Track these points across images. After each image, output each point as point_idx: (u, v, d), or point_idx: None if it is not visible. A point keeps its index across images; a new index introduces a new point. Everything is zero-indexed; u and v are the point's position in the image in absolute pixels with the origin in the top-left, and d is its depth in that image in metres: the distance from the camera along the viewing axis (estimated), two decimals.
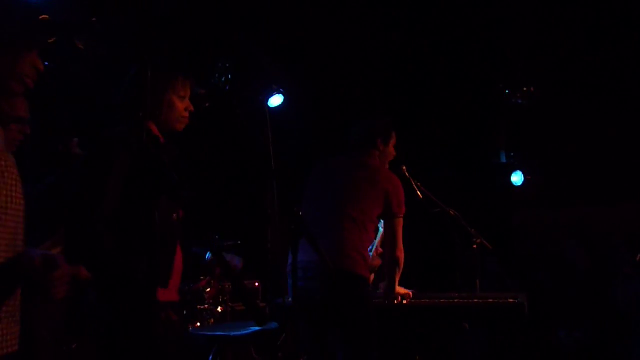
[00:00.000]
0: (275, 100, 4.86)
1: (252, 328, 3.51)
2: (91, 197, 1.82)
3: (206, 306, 3.90)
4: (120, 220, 1.84)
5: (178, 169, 2.14)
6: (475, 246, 3.64)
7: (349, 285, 2.90)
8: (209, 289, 3.91)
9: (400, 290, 3.20)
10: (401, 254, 3.07)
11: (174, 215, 2.00)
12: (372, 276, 3.22)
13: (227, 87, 4.46)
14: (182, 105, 2.13)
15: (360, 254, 2.96)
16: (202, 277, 3.87)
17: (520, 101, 5.13)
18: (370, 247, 3.22)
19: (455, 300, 3.32)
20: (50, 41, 1.89)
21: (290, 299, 3.02)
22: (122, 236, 1.85)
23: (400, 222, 3.09)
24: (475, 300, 3.32)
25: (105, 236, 1.79)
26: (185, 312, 3.74)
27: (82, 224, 1.82)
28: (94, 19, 1.72)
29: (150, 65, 1.95)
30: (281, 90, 4.84)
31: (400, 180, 3.18)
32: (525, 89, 5.09)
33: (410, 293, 3.23)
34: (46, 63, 2.01)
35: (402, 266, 3.10)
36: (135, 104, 2.00)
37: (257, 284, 4.58)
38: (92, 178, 1.85)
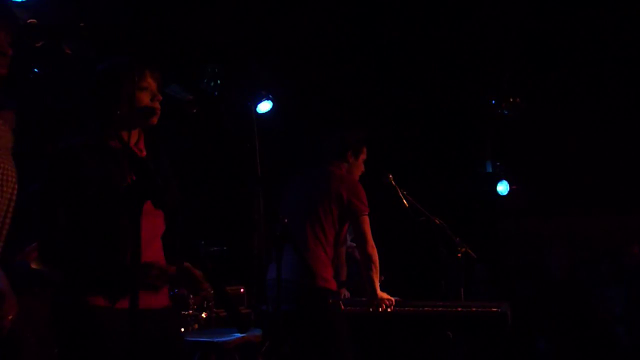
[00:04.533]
0: (264, 107, 4.87)
1: (236, 334, 3.50)
2: (45, 214, 1.83)
3: (190, 312, 3.89)
4: (82, 229, 1.84)
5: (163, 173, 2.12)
6: (459, 255, 3.66)
7: (312, 299, 2.93)
8: (193, 295, 3.90)
9: (384, 295, 3.20)
10: (373, 250, 3.04)
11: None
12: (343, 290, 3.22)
13: (216, 93, 4.47)
14: (146, 97, 1.98)
15: (324, 266, 2.98)
16: None
17: (505, 112, 5.19)
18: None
19: (439, 309, 3.34)
20: (37, 45, 1.89)
21: (268, 308, 3.06)
22: (84, 243, 1.85)
23: (365, 220, 3.05)
24: (459, 309, 3.33)
25: (65, 245, 1.80)
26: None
27: (44, 237, 1.84)
28: (82, 24, 1.72)
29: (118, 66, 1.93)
30: (270, 96, 4.84)
31: (356, 180, 3.15)
32: (510, 99, 5.15)
33: (393, 300, 3.23)
34: (35, 70, 2.01)
35: (377, 263, 3.06)
36: (100, 110, 1.96)
37: (242, 290, 4.57)
38: (44, 195, 1.85)
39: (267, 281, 3.09)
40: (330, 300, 2.97)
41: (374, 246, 3.06)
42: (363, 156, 3.27)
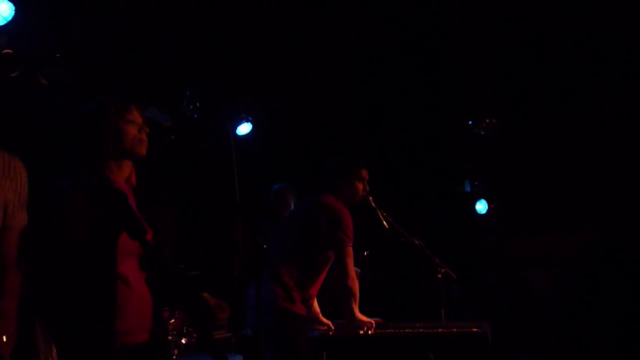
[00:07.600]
0: (244, 129, 4.89)
1: None
2: (46, 250, 1.81)
3: (170, 337, 3.83)
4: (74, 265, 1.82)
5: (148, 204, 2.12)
6: (439, 275, 3.68)
7: (271, 316, 2.95)
8: (172, 320, 3.85)
9: (363, 317, 3.20)
10: (352, 284, 3.04)
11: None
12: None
13: (195, 116, 4.46)
14: (133, 129, 2.03)
15: (289, 288, 2.98)
16: (165, 308, 3.82)
17: (482, 132, 5.28)
18: None
19: (420, 330, 3.34)
20: (12, 75, 1.89)
21: (249, 330, 3.07)
22: (77, 283, 1.83)
23: (348, 252, 3.04)
24: (440, 330, 3.34)
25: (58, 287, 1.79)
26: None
27: (38, 276, 1.81)
28: (58, 55, 1.73)
29: (110, 105, 1.96)
30: (249, 118, 4.86)
31: (341, 210, 3.12)
32: (487, 120, 5.24)
33: (373, 322, 3.23)
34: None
35: (357, 296, 3.08)
36: (89, 149, 1.97)
37: None
38: (45, 231, 1.82)
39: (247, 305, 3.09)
40: (289, 321, 2.95)
41: (354, 278, 3.08)
42: (357, 180, 3.25)
